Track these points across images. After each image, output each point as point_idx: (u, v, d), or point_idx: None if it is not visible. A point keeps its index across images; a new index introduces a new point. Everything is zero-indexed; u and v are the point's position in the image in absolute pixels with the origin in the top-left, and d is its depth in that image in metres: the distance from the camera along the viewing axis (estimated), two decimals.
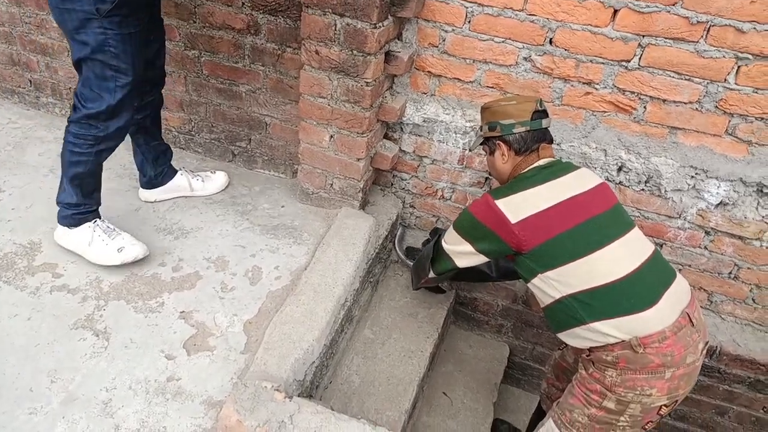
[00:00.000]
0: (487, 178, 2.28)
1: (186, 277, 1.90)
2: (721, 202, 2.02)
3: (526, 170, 1.71)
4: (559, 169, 1.70)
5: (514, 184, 1.68)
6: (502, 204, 1.61)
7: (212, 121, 2.43)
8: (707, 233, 2.11)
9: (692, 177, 2.00)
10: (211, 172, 2.32)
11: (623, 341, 1.48)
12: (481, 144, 1.84)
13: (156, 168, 2.16)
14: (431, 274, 1.88)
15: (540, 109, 1.71)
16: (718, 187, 1.99)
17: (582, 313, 1.52)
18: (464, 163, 2.26)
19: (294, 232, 2.15)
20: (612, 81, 1.93)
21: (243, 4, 2.09)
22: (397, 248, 2.40)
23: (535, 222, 1.57)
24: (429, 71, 2.12)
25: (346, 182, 2.17)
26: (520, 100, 1.71)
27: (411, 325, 2.19)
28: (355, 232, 2.09)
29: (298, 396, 1.54)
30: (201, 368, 1.61)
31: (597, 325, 1.50)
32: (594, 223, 1.58)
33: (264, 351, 1.60)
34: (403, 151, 2.31)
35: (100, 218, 1.91)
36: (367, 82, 1.91)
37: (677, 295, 1.56)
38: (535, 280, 1.61)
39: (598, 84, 1.95)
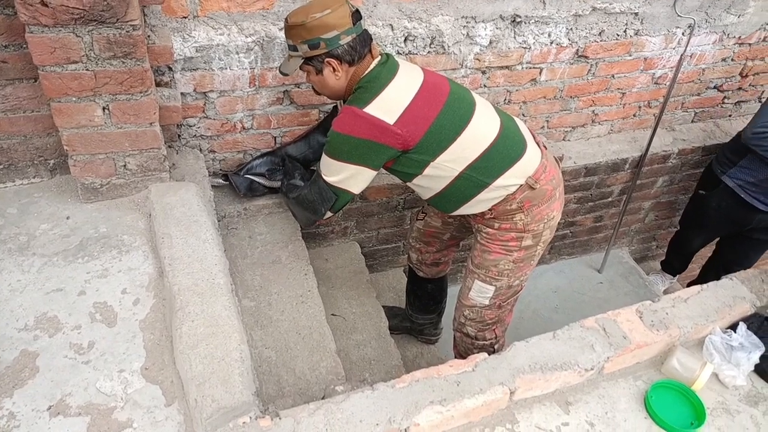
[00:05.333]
0: (285, 92, 2.08)
1: (14, 364, 1.37)
2: (490, 42, 2.24)
3: (366, 73, 1.61)
4: (393, 62, 1.67)
5: (366, 88, 1.58)
6: (372, 110, 1.53)
7: None
8: (483, 73, 2.35)
9: (465, 27, 2.15)
10: None
11: (522, 185, 1.65)
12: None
13: None
14: (328, 215, 1.74)
15: (353, 9, 1.58)
16: (485, 29, 2.19)
17: (482, 177, 1.64)
18: (257, 83, 2.01)
19: (110, 242, 1.69)
20: None
21: None
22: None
23: (410, 116, 1.56)
24: None
25: (144, 156, 1.74)
26: (333, 6, 1.53)
27: (281, 272, 2.02)
28: (188, 208, 1.74)
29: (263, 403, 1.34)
30: None
31: (499, 181, 1.64)
32: (453, 98, 1.64)
33: (198, 388, 1.31)
34: (182, 93, 1.92)
35: None
36: (134, 26, 1.46)
37: (525, 130, 1.77)
38: (427, 171, 1.63)
39: None
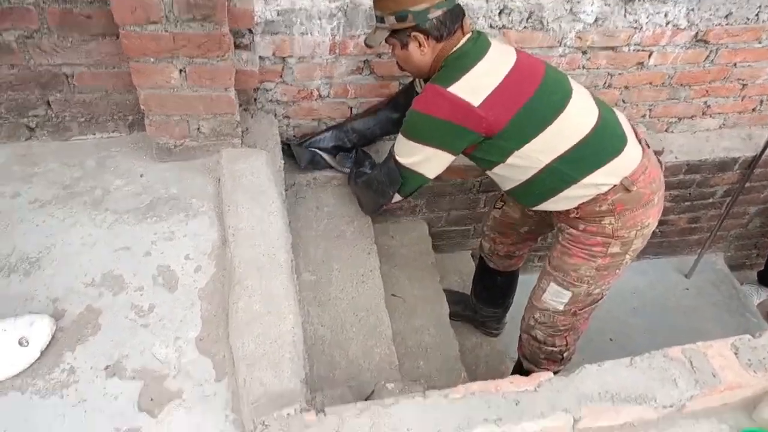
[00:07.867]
0: (366, 61, 1.97)
1: (79, 319, 1.41)
2: (595, 20, 2.01)
3: (454, 50, 1.48)
4: (484, 39, 1.53)
5: (453, 66, 1.46)
6: (457, 90, 1.42)
7: None
8: (584, 53, 2.13)
9: (569, 1, 1.94)
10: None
11: (615, 186, 1.49)
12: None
13: None
14: (396, 198, 1.66)
15: None
16: (591, 4, 1.96)
17: (571, 172, 1.49)
18: (337, 51, 1.91)
19: (179, 204, 1.69)
20: None
21: None
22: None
23: (497, 99, 1.43)
24: None
25: (217, 121, 1.71)
26: None
27: (345, 247, 1.97)
28: (256, 177, 1.70)
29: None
30: (181, 427, 1.26)
31: (589, 178, 1.49)
32: (548, 83, 1.50)
33: (248, 368, 1.29)
34: (261, 57, 1.87)
35: None
36: None
37: (627, 125, 1.59)
38: (510, 160, 1.51)
39: None
